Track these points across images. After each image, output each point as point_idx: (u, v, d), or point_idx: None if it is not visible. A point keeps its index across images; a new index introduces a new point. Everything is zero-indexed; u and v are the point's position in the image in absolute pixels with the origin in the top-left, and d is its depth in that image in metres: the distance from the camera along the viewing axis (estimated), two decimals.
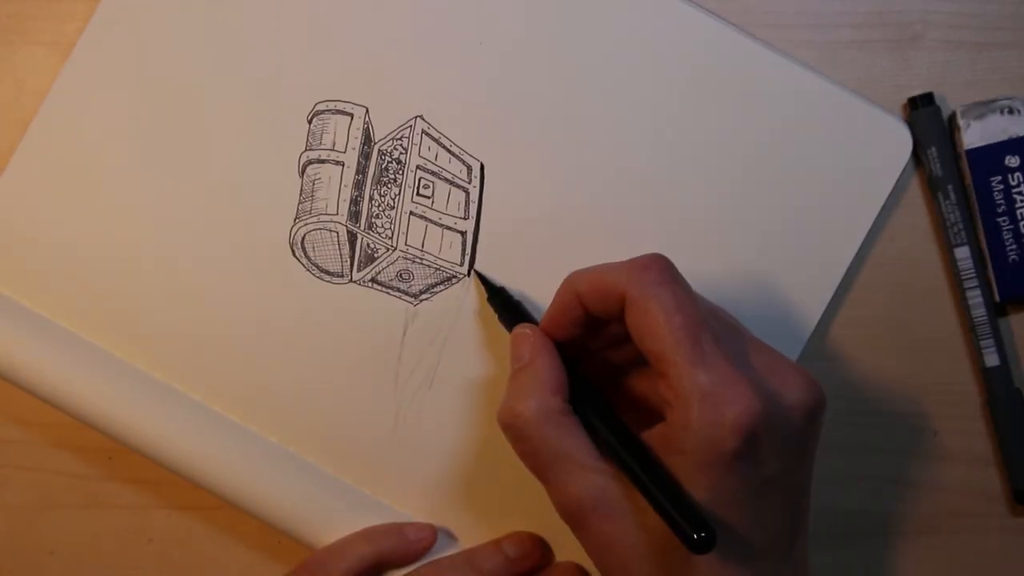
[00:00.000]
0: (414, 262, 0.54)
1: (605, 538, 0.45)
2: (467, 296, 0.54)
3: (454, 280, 0.54)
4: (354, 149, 0.54)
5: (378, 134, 0.54)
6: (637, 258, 0.46)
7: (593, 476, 0.45)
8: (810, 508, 0.47)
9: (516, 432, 0.46)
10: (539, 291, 0.54)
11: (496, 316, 0.52)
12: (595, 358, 0.50)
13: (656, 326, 0.44)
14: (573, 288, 0.47)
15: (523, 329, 0.49)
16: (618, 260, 0.46)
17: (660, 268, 0.45)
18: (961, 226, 0.55)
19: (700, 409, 0.43)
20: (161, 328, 0.54)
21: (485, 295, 0.53)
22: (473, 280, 0.54)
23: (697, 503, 0.43)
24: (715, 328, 0.45)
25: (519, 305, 0.52)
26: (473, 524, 0.54)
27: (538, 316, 0.51)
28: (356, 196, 0.54)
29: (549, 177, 0.54)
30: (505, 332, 0.50)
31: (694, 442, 0.43)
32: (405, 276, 0.54)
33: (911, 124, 0.55)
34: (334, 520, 0.53)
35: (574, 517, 0.46)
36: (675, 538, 0.42)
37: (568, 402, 0.47)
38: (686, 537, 0.42)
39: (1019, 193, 0.54)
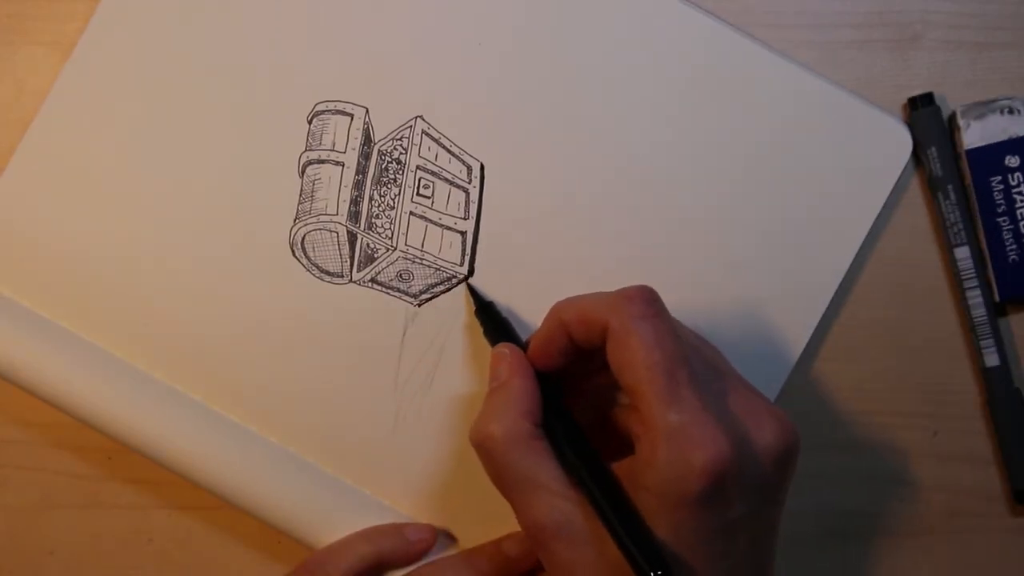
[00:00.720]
0: (414, 262, 0.54)
1: (565, 563, 0.45)
2: (467, 296, 0.54)
3: (454, 280, 0.54)
4: (354, 149, 0.54)
5: (378, 134, 0.54)
6: (623, 289, 0.46)
7: (557, 501, 0.45)
8: (776, 545, 0.47)
9: (486, 452, 0.46)
10: (539, 292, 0.53)
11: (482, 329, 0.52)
12: (581, 384, 0.50)
13: (634, 360, 0.44)
14: (559, 317, 0.47)
15: (503, 348, 0.49)
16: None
17: (644, 301, 0.45)
18: (961, 226, 0.55)
19: (667, 448, 0.43)
20: (161, 328, 0.54)
21: (474, 307, 0.53)
22: (464, 292, 0.54)
23: (657, 539, 0.43)
24: (694, 366, 0.44)
25: (505, 322, 0.52)
26: (473, 524, 0.54)
27: (524, 334, 0.51)
28: (356, 196, 0.54)
29: (549, 177, 0.54)
30: None
31: (659, 481, 0.43)
32: (405, 276, 0.54)
33: (911, 124, 0.55)
34: (334, 520, 0.53)
35: (536, 540, 0.46)
36: (632, 571, 0.42)
37: (540, 426, 0.47)
38: (642, 572, 0.42)
39: (1019, 193, 0.54)
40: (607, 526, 0.44)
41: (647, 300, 0.45)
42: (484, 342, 0.52)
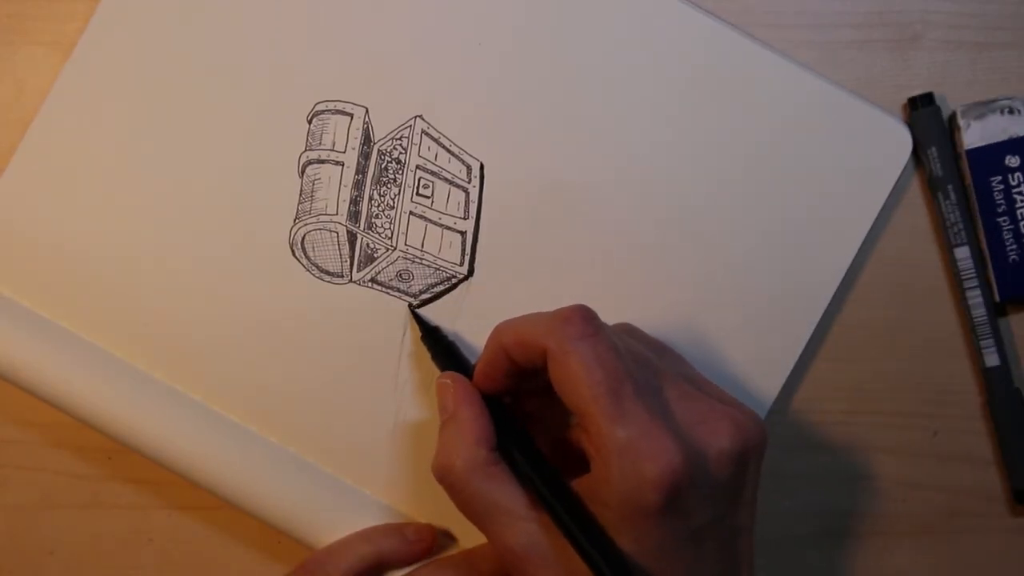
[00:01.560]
0: (414, 262, 0.54)
1: None
2: (467, 296, 0.54)
3: (454, 280, 0.54)
4: (354, 149, 0.54)
5: (378, 134, 0.54)
6: (559, 310, 0.46)
7: (523, 524, 0.45)
8: (754, 545, 0.47)
9: (448, 485, 0.47)
10: (539, 292, 0.54)
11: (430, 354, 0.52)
12: (532, 403, 0.50)
13: (575, 382, 0.44)
14: (499, 340, 0.47)
15: (444, 380, 0.49)
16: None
17: (581, 319, 0.45)
18: (961, 226, 0.55)
19: (619, 464, 0.43)
20: (161, 328, 0.54)
21: (419, 334, 0.53)
22: (408, 316, 0.54)
23: (621, 551, 0.43)
24: (639, 379, 0.44)
25: (451, 346, 0.52)
26: (473, 524, 0.54)
27: (473, 357, 0.51)
28: (356, 196, 0.54)
29: (549, 177, 0.54)
30: None
31: (616, 497, 0.43)
32: (405, 276, 0.54)
33: (911, 124, 0.55)
34: (334, 520, 0.53)
35: (510, 564, 0.46)
36: None
37: (495, 450, 0.47)
38: None
39: (1019, 193, 0.54)
40: (570, 540, 0.44)
41: (583, 319, 0.45)
42: (485, 341, 0.52)
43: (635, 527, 0.43)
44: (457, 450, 0.47)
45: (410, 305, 0.54)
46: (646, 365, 0.46)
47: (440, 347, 0.52)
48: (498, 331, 0.48)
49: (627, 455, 0.43)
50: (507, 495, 0.46)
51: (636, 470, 0.43)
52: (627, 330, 0.50)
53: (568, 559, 0.44)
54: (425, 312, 0.54)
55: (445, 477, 0.47)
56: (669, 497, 0.43)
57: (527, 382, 0.49)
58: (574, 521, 0.44)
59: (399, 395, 0.54)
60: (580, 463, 0.47)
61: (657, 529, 0.43)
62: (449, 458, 0.47)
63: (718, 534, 0.45)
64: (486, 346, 0.48)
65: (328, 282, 0.54)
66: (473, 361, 0.50)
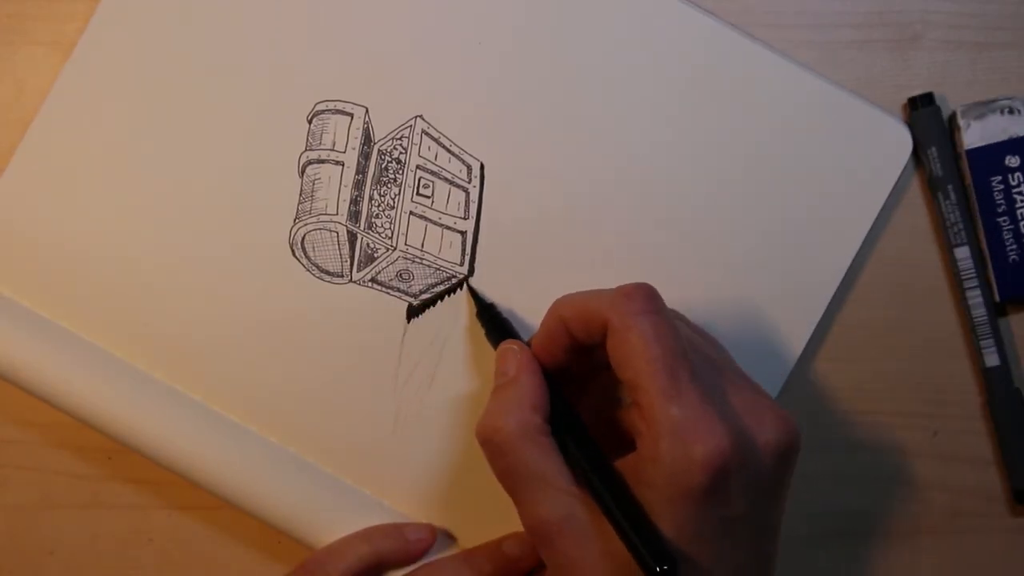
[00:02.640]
0: (414, 262, 0.54)
1: (569, 561, 0.45)
2: (466, 297, 0.54)
3: (454, 280, 0.54)
4: (354, 149, 0.54)
5: (378, 134, 0.54)
6: (622, 286, 0.46)
7: (564, 498, 0.45)
8: (780, 545, 0.47)
9: (494, 447, 0.46)
10: (539, 292, 0.54)
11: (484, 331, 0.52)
12: (581, 383, 0.50)
13: (634, 356, 0.44)
14: (559, 313, 0.47)
15: (510, 345, 0.49)
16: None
17: (644, 297, 0.45)
18: (961, 226, 0.55)
19: (670, 443, 0.43)
20: (161, 328, 0.54)
21: (475, 309, 0.53)
22: (465, 294, 0.54)
23: (662, 535, 0.43)
24: (694, 362, 0.45)
25: (507, 323, 0.52)
26: (473, 524, 0.54)
27: (525, 334, 0.51)
28: (356, 196, 0.54)
29: (549, 177, 0.54)
30: None
31: (662, 476, 0.43)
32: (405, 276, 0.54)
33: (911, 124, 0.55)
34: (334, 520, 0.53)
35: (541, 537, 0.46)
36: (638, 567, 0.42)
37: (548, 422, 0.47)
38: (648, 568, 0.42)
39: (1019, 193, 0.54)
40: (612, 523, 0.44)
41: (646, 296, 0.45)
42: (484, 341, 0.52)
43: (677, 509, 0.43)
44: (511, 412, 0.46)
45: (467, 281, 0.54)
46: (701, 351, 0.46)
47: (497, 322, 0.52)
48: (558, 304, 0.48)
49: (678, 434, 0.43)
50: (552, 466, 0.46)
51: (686, 449, 0.43)
52: (680, 318, 0.50)
53: (604, 538, 0.44)
54: (436, 308, 0.54)
55: (492, 437, 0.46)
56: (715, 481, 0.43)
57: (581, 360, 0.49)
58: (616, 500, 0.44)
59: (399, 395, 0.54)
60: (622, 445, 0.46)
61: (698, 513, 0.43)
62: (500, 419, 0.46)
63: (752, 528, 0.45)
64: (544, 320, 0.48)
65: (328, 282, 0.54)
66: (526, 339, 0.50)
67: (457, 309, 0.54)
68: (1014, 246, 0.54)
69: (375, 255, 0.54)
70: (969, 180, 0.54)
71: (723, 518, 0.44)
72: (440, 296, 0.54)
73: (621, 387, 0.49)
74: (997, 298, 0.55)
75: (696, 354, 0.46)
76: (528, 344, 0.50)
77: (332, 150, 0.54)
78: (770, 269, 0.54)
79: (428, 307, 0.54)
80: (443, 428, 0.54)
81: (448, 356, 0.54)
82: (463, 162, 0.54)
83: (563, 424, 0.47)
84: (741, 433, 0.44)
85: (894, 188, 0.54)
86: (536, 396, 0.47)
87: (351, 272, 0.54)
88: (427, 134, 0.54)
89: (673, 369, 0.44)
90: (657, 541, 0.43)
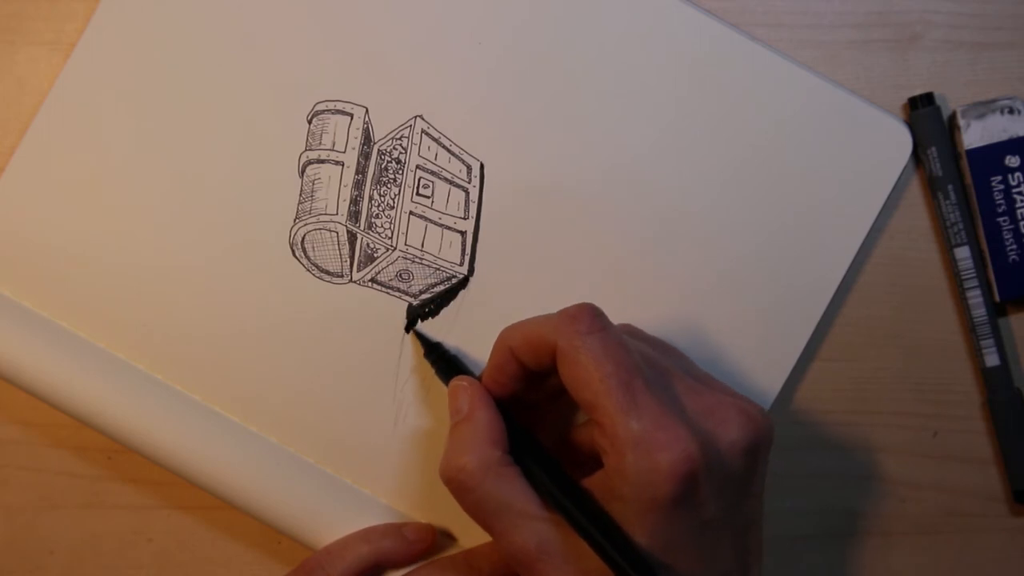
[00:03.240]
0: (414, 262, 0.54)
1: None
2: (467, 295, 0.54)
3: (454, 280, 0.54)
4: (354, 149, 0.54)
5: (378, 134, 0.54)
6: (566, 309, 0.46)
7: (536, 524, 0.45)
8: (762, 539, 0.47)
9: (459, 485, 0.47)
10: (539, 291, 0.54)
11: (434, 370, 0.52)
12: (538, 410, 0.50)
13: (587, 376, 0.44)
14: (506, 344, 0.48)
15: (460, 381, 0.49)
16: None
17: (588, 317, 0.45)
18: (961, 226, 0.55)
19: (634, 456, 0.43)
20: (161, 328, 0.54)
21: (422, 352, 0.53)
22: (411, 338, 0.54)
23: (638, 547, 0.43)
24: (647, 373, 0.45)
25: (456, 359, 0.52)
26: (473, 524, 0.54)
27: (476, 370, 0.51)
28: (356, 196, 0.54)
29: (549, 177, 0.54)
30: None
31: (631, 488, 0.43)
32: (405, 276, 0.54)
33: (911, 124, 0.55)
34: (334, 520, 0.53)
35: (521, 565, 0.46)
36: None
37: (508, 452, 0.47)
38: None
39: (1019, 193, 0.54)
40: (587, 539, 0.44)
41: (590, 316, 0.45)
42: (485, 342, 0.52)
43: (650, 520, 0.43)
44: (472, 450, 0.47)
45: (407, 325, 0.54)
46: (653, 361, 0.46)
47: (445, 360, 0.52)
48: (504, 335, 0.48)
49: (642, 446, 0.43)
50: (520, 495, 0.46)
51: (651, 460, 0.43)
52: (628, 331, 0.51)
53: (582, 558, 0.44)
54: (425, 324, 0.54)
55: (456, 476, 0.47)
56: (684, 487, 0.43)
57: (532, 387, 0.49)
58: (588, 519, 0.44)
59: (399, 395, 0.54)
60: (586, 464, 0.47)
61: (671, 521, 0.43)
62: (461, 457, 0.47)
63: (729, 526, 0.45)
64: (493, 351, 0.48)
65: (328, 282, 0.54)
66: (476, 373, 0.51)
67: (457, 309, 0.54)
68: (1014, 246, 0.54)
69: (375, 255, 0.54)
70: (969, 180, 0.54)
71: (697, 522, 0.44)
72: (440, 296, 0.54)
73: (574, 409, 0.50)
74: (997, 298, 0.55)
75: (649, 364, 0.46)
76: (479, 378, 0.50)
77: (332, 150, 0.54)
78: (770, 269, 0.54)
79: (428, 317, 0.54)
80: (443, 428, 0.54)
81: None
82: (463, 162, 0.54)
83: (524, 451, 0.47)
84: (704, 436, 0.44)
85: (894, 188, 0.54)
86: (493, 429, 0.47)
87: (351, 272, 0.54)
88: (427, 134, 0.54)
89: (627, 384, 0.44)
90: (634, 552, 0.43)
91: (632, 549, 0.43)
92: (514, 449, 0.47)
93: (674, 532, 0.43)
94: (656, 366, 0.46)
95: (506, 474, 0.46)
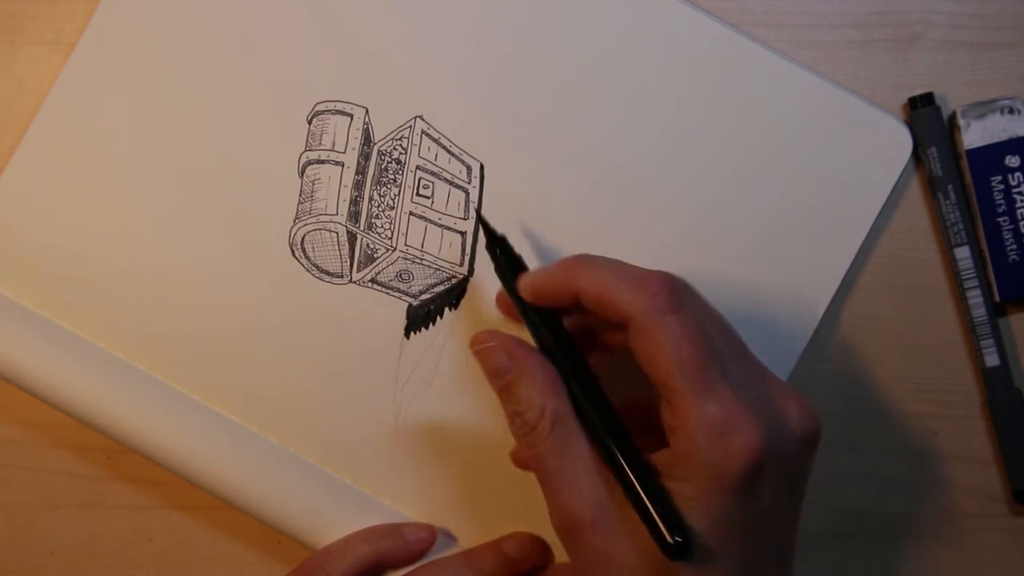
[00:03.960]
0: (414, 262, 0.54)
1: (597, 554, 0.44)
2: (467, 295, 0.54)
3: (454, 280, 0.54)
4: (354, 149, 0.54)
5: (378, 134, 0.54)
6: (648, 279, 0.45)
7: (594, 489, 0.45)
8: (797, 541, 0.47)
9: (537, 434, 0.46)
10: None
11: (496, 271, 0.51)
12: (598, 362, 0.49)
13: (663, 356, 0.43)
14: (576, 283, 0.46)
15: (490, 341, 0.48)
16: (622, 258, 0.46)
17: (669, 293, 0.44)
18: (961, 226, 0.55)
19: (707, 438, 0.43)
20: (161, 328, 0.54)
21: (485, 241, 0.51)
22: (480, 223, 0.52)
23: (687, 524, 0.43)
24: (722, 356, 0.44)
25: (519, 260, 0.50)
26: (473, 524, 0.54)
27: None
28: (356, 196, 0.54)
29: (549, 177, 0.54)
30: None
31: (698, 470, 0.43)
32: (405, 276, 0.54)
33: (911, 124, 0.55)
34: (334, 520, 0.53)
35: (571, 530, 0.45)
36: (666, 560, 0.42)
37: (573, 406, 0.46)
38: (663, 542, 0.42)
39: (1019, 193, 0.54)
40: (629, 495, 0.43)
41: (672, 292, 0.44)
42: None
43: (712, 502, 0.43)
44: (546, 396, 0.46)
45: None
46: (725, 337, 0.46)
47: (505, 258, 0.50)
48: (577, 272, 0.46)
49: (715, 430, 0.43)
50: (581, 455, 0.45)
51: (724, 443, 0.42)
52: (696, 297, 0.49)
53: (634, 532, 0.44)
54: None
55: (542, 423, 0.45)
56: (752, 473, 0.43)
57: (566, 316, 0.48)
58: (636, 475, 0.44)
59: (399, 395, 0.54)
60: (645, 430, 0.46)
61: (732, 506, 0.43)
62: (542, 401, 0.45)
63: (776, 521, 0.45)
64: (555, 272, 0.47)
65: (328, 282, 0.54)
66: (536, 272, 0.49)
67: (457, 309, 0.54)
68: (1014, 246, 0.54)
69: (375, 255, 0.54)
70: (969, 180, 0.54)
71: (752, 512, 0.44)
72: (440, 296, 0.54)
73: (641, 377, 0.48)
74: (997, 298, 0.55)
75: (725, 344, 0.45)
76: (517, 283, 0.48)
77: (332, 150, 0.54)
78: (770, 269, 0.54)
79: (429, 323, 0.54)
80: (443, 428, 0.54)
81: (448, 355, 0.54)
82: (463, 162, 0.54)
83: (591, 407, 0.46)
84: (773, 423, 0.44)
85: (894, 188, 0.54)
86: (552, 379, 0.46)
87: (351, 272, 0.54)
88: (427, 134, 0.54)
89: (704, 367, 0.43)
90: (676, 517, 0.42)
91: (675, 513, 0.43)
92: (581, 406, 0.46)
93: (731, 518, 0.43)
94: (730, 347, 0.45)
95: (571, 429, 0.46)
